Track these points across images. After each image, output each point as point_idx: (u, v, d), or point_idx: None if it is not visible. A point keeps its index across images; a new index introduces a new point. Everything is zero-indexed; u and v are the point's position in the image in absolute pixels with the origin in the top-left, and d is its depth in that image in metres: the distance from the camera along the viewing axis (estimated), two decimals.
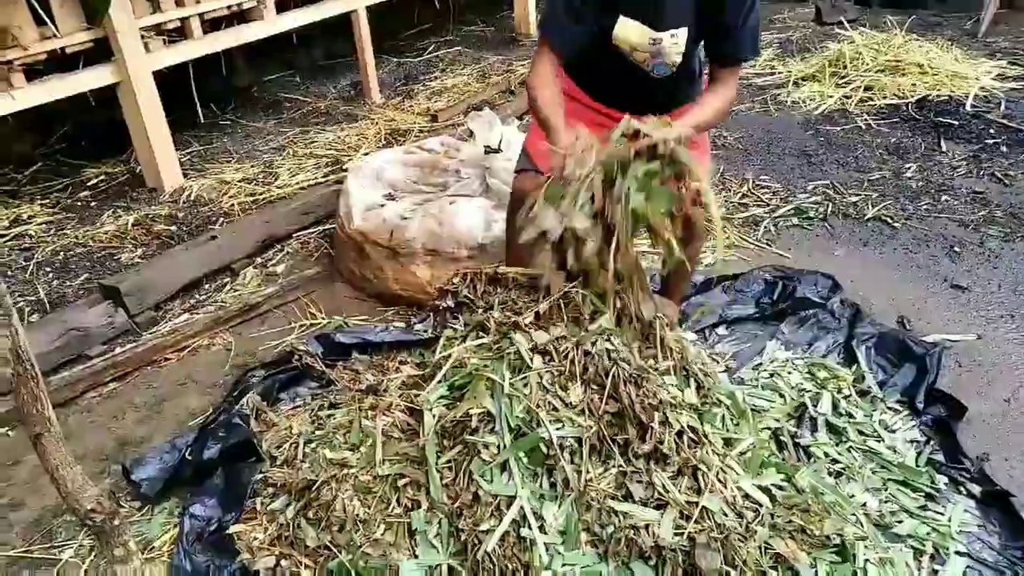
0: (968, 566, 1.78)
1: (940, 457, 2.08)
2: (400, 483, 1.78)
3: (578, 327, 1.80)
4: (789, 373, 2.36)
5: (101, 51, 3.50)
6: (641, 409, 1.66)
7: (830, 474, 1.98)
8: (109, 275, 3.12)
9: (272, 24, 4.22)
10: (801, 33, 5.80)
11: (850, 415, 2.19)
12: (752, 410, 2.02)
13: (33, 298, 3.04)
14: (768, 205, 3.51)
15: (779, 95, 4.75)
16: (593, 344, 1.76)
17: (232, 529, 1.88)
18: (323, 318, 2.86)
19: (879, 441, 2.11)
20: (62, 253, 3.35)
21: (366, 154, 4.00)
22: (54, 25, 3.26)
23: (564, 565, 1.57)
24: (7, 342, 1.35)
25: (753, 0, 1.94)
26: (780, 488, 1.76)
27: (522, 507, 1.61)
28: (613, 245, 1.74)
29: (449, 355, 1.90)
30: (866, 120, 4.29)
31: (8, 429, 2.40)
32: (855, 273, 2.92)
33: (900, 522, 1.86)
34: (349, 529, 1.73)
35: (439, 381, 1.88)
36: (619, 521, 1.59)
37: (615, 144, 1.75)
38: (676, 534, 1.57)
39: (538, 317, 1.82)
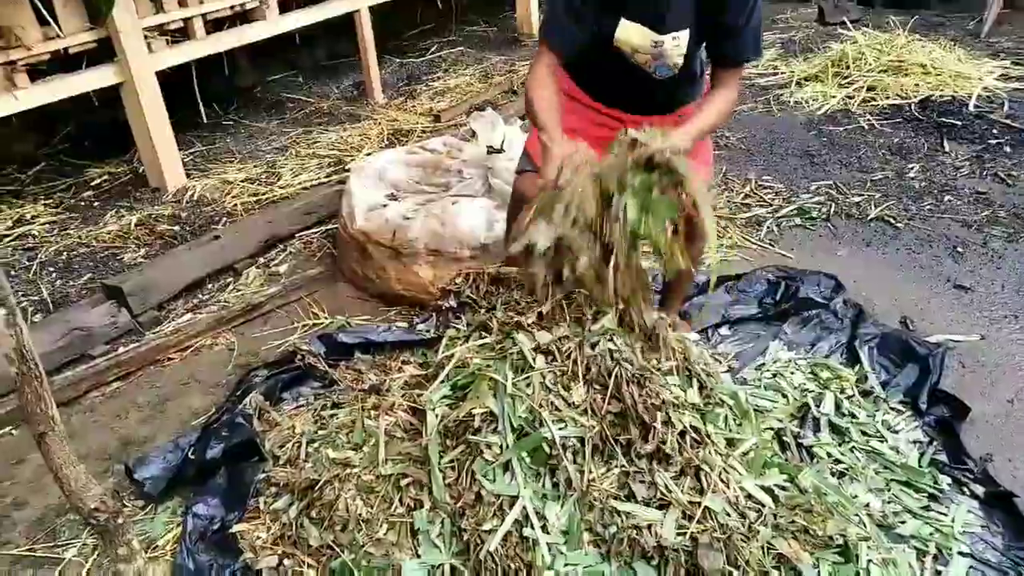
0: (971, 567, 1.77)
1: (943, 458, 2.07)
2: (403, 483, 1.79)
3: (581, 327, 1.80)
4: (792, 373, 2.36)
5: (104, 51, 3.51)
6: (644, 409, 1.67)
7: (833, 474, 1.97)
8: (112, 275, 3.12)
9: (275, 24, 4.23)
10: (804, 33, 5.80)
11: (853, 415, 2.19)
12: (755, 410, 2.01)
13: (36, 298, 3.04)
14: (771, 205, 3.50)
15: (782, 95, 4.75)
16: (595, 345, 1.76)
17: (235, 528, 1.88)
18: (326, 318, 2.86)
19: (882, 441, 2.10)
20: (65, 253, 3.36)
21: (369, 154, 4.00)
22: (57, 25, 3.26)
23: (566, 565, 1.57)
24: (11, 341, 1.35)
25: (755, 0, 1.94)
26: (783, 488, 1.76)
27: (525, 507, 1.62)
28: (612, 264, 1.74)
29: (452, 355, 1.90)
30: (869, 120, 4.29)
31: (12, 428, 2.41)
32: (858, 273, 2.92)
33: (903, 523, 1.86)
34: (352, 528, 1.73)
35: (442, 381, 1.88)
36: (622, 521, 1.59)
37: (613, 155, 1.75)
38: (679, 534, 1.57)
39: (541, 317, 1.83)
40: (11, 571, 1.92)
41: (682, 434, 1.69)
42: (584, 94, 2.27)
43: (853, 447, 2.07)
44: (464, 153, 3.28)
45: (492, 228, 2.74)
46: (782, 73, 5.06)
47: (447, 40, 6.15)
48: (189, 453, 2.07)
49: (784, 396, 2.27)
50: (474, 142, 3.31)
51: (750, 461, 1.77)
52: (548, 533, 1.60)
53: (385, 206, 2.93)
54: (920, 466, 2.04)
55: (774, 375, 2.36)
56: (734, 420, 1.86)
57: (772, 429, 2.10)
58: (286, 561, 1.78)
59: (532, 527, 1.60)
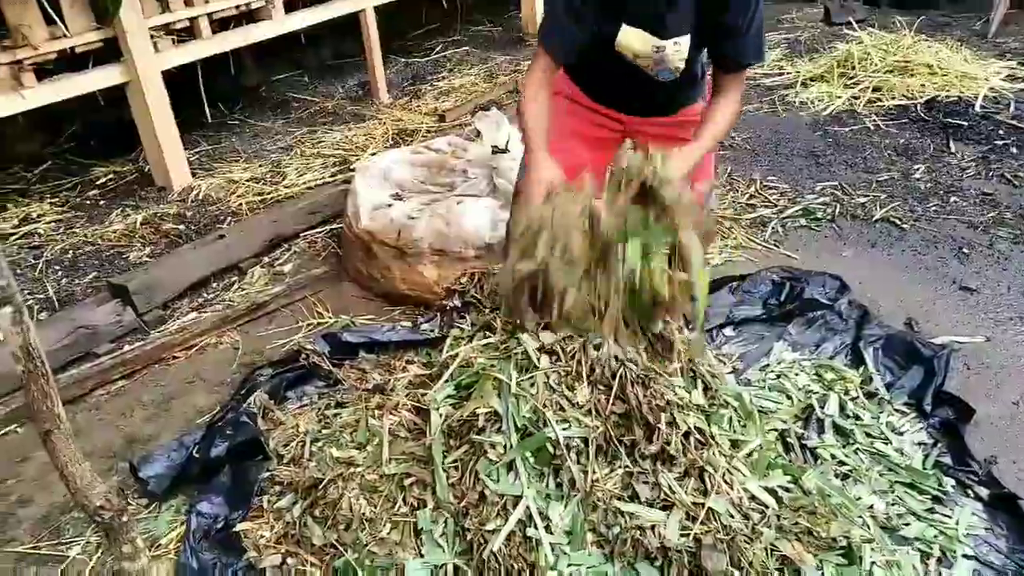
0: (975, 569, 1.77)
1: (947, 460, 2.06)
2: (406, 482, 1.79)
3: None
4: (796, 374, 2.35)
5: (110, 51, 3.52)
6: (648, 410, 1.66)
7: (837, 476, 1.97)
8: (117, 273, 3.13)
9: (280, 24, 4.23)
10: (809, 33, 5.78)
11: (857, 417, 2.18)
12: (759, 411, 2.01)
13: (42, 296, 3.05)
14: (776, 206, 3.50)
15: (787, 95, 4.73)
16: (599, 346, 1.76)
17: (239, 527, 1.89)
18: (330, 317, 2.86)
19: (886, 443, 2.10)
20: (71, 251, 3.37)
21: (373, 154, 4.00)
22: (64, 25, 3.28)
23: (570, 565, 1.57)
24: (18, 339, 1.35)
25: (757, 1, 1.93)
26: (786, 490, 1.76)
27: (528, 507, 1.62)
28: (607, 323, 1.73)
29: (456, 355, 1.90)
30: (875, 121, 4.28)
31: (16, 426, 2.41)
32: (863, 274, 2.91)
33: (907, 525, 1.85)
34: (355, 528, 1.74)
35: (446, 380, 1.88)
36: (625, 522, 1.59)
37: (607, 191, 1.75)
38: (682, 535, 1.57)
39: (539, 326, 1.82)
40: (15, 568, 1.93)
41: (686, 435, 1.69)
42: (584, 95, 2.27)
43: (857, 449, 2.07)
44: (469, 153, 3.28)
45: (496, 228, 2.74)
46: (787, 73, 5.05)
47: (452, 40, 6.15)
48: (193, 451, 2.08)
49: (788, 397, 2.26)
50: (479, 142, 3.31)
51: (754, 462, 1.77)
52: (551, 533, 1.60)
53: (390, 206, 2.94)
54: (924, 468, 2.03)
55: (778, 376, 2.36)
56: (738, 421, 1.86)
57: (776, 430, 2.10)
58: (289, 560, 1.78)
59: (535, 527, 1.59)
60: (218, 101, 4.77)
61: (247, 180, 3.93)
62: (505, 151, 3.12)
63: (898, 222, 3.30)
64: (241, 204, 3.69)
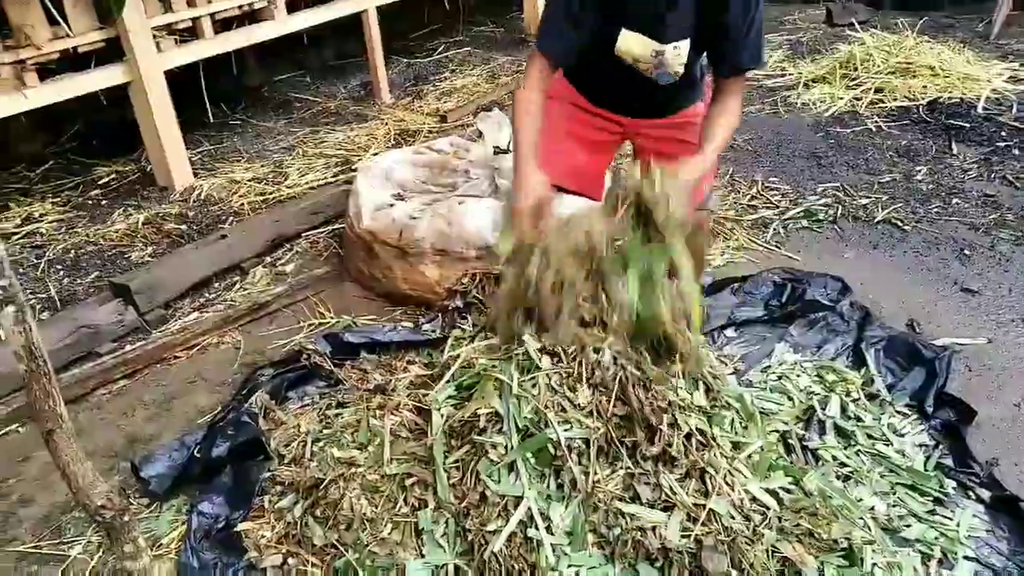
0: (976, 571, 1.77)
1: (949, 461, 2.06)
2: (407, 482, 1.79)
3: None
4: (798, 376, 2.35)
5: (113, 51, 3.52)
6: (650, 411, 1.66)
7: (838, 477, 1.97)
8: (119, 273, 3.14)
9: (283, 24, 4.24)
10: (812, 35, 5.78)
11: (859, 418, 2.18)
12: (760, 413, 2.01)
13: (44, 296, 3.06)
14: (777, 207, 3.50)
15: (789, 97, 4.73)
16: (600, 351, 1.76)
17: (240, 527, 1.89)
18: (332, 317, 2.86)
19: (888, 445, 2.10)
20: (73, 251, 3.37)
21: (375, 154, 4.01)
22: (67, 24, 3.28)
23: (570, 566, 1.57)
24: (20, 339, 1.36)
25: (757, 3, 1.93)
26: (788, 491, 1.76)
27: (529, 508, 1.61)
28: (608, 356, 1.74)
29: (457, 355, 1.90)
30: (876, 122, 4.27)
31: (18, 425, 2.42)
32: (865, 276, 2.91)
33: (908, 526, 1.85)
34: (356, 528, 1.74)
35: (447, 381, 1.88)
36: (626, 523, 1.59)
37: (604, 208, 1.76)
38: (683, 536, 1.57)
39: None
40: (17, 568, 1.93)
41: (688, 436, 1.69)
42: (583, 98, 2.27)
43: (859, 450, 2.07)
44: (471, 153, 3.28)
45: (498, 228, 2.74)
46: (789, 74, 5.05)
47: (454, 40, 6.15)
48: (195, 451, 2.08)
49: (790, 399, 2.26)
50: (481, 142, 3.32)
51: (755, 464, 1.77)
52: (552, 534, 1.60)
53: (392, 206, 2.94)
54: (926, 470, 2.03)
55: (780, 377, 2.35)
56: (740, 423, 1.86)
57: (777, 432, 2.10)
58: (290, 560, 1.78)
59: (536, 528, 1.59)
60: (220, 101, 4.78)
61: (249, 180, 3.93)
62: (507, 152, 3.12)
63: (900, 224, 3.30)
64: (243, 204, 3.70)
